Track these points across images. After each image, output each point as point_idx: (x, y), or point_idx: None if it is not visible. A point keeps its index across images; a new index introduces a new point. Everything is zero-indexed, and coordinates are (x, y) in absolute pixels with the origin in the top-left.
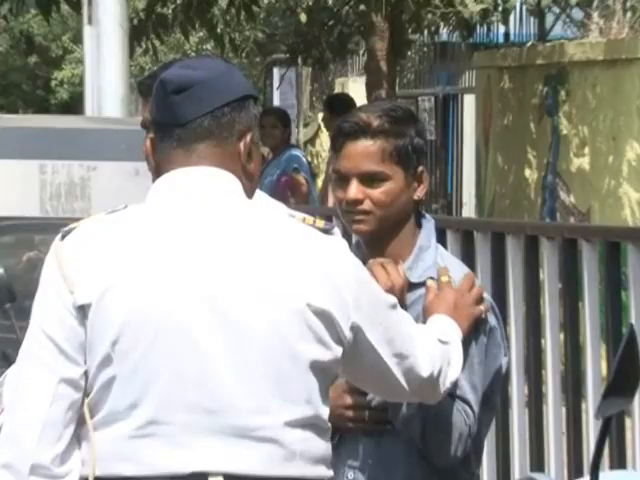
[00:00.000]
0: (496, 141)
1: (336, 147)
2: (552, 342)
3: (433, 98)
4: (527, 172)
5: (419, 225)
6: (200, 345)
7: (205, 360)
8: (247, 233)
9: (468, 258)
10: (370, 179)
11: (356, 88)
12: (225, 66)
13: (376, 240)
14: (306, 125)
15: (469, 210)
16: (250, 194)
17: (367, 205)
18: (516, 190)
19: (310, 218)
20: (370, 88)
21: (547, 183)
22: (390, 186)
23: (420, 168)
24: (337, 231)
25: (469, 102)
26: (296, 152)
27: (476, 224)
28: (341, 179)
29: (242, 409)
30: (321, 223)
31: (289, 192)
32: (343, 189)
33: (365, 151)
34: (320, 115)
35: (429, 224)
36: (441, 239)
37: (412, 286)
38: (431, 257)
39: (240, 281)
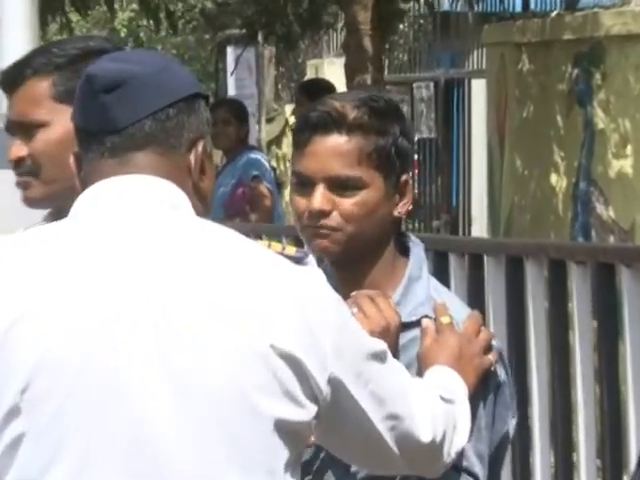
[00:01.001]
0: (513, 139)
1: (300, 142)
2: (585, 395)
3: (432, 84)
4: (553, 178)
5: (401, 250)
6: (134, 396)
7: (141, 416)
8: (196, 258)
9: (477, 289)
10: (341, 186)
11: (333, 72)
12: (165, 60)
13: (349, 266)
14: (270, 120)
15: (480, 228)
16: (201, 215)
17: (335, 219)
18: (539, 202)
19: (277, 244)
20: (351, 72)
21: (579, 192)
22: (366, 196)
23: (404, 177)
24: (312, 260)
25: (478, 89)
26: (256, 155)
27: (487, 246)
28: (303, 184)
29: (188, 478)
30: (292, 250)
31: (248, 207)
32: (305, 197)
33: (337, 149)
34: (288, 108)
35: (417, 248)
36: (443, 265)
37: (401, 327)
38: (423, 290)
39: (187, 317)
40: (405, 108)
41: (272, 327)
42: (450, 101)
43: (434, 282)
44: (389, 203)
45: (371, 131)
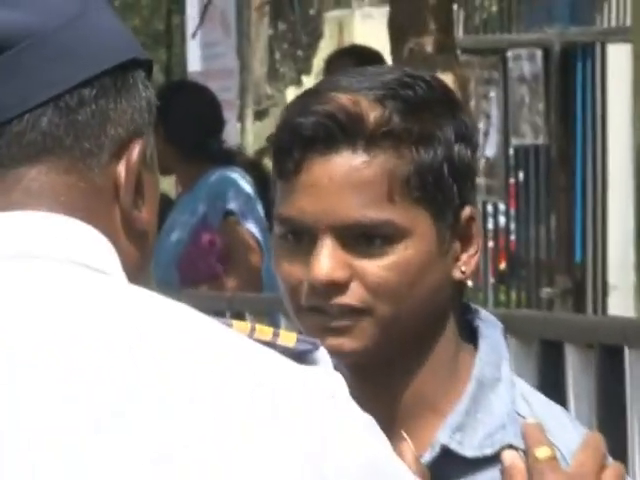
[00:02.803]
0: None
1: (284, 168)
2: None
3: (540, 53)
4: None
5: (467, 334)
6: None
7: None
8: (126, 364)
9: (613, 400)
10: (362, 238)
11: (368, 32)
12: (81, 1)
13: (378, 369)
14: (261, 115)
15: (623, 301)
16: (137, 270)
17: (356, 295)
18: None
19: (267, 328)
20: (398, 32)
21: None
22: (406, 252)
23: (466, 211)
24: (324, 355)
25: (619, 60)
26: (232, 175)
27: (633, 331)
28: (296, 237)
29: None
30: (291, 338)
31: (220, 266)
32: (300, 259)
33: (352, 177)
34: (292, 92)
35: (491, 331)
36: (555, 362)
37: (465, 465)
38: (503, 403)
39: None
40: (494, 94)
41: None
42: (571, 81)
43: (522, 386)
44: (445, 258)
45: (407, 141)
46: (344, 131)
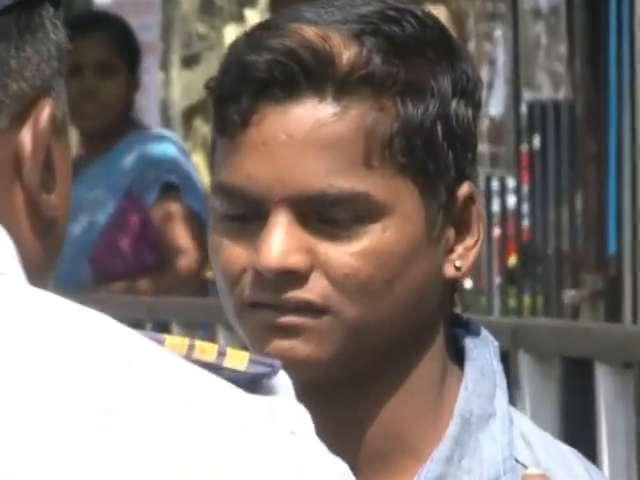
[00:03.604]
0: None
1: (228, 122)
2: None
3: None
4: None
5: (455, 354)
6: None
7: None
8: (120, 363)
9: None
10: (328, 215)
11: None
12: None
13: (339, 396)
14: (190, 61)
15: None
16: (40, 271)
17: (316, 289)
18: None
19: (209, 346)
20: None
21: None
22: (384, 236)
23: (464, 188)
24: (284, 381)
25: None
26: (166, 138)
27: None
28: (241, 211)
29: None
30: (241, 358)
31: (149, 255)
32: (245, 239)
33: (315, 135)
34: (231, 31)
35: (484, 352)
36: (583, 385)
37: None
38: (498, 446)
39: None
40: (500, 33)
41: None
42: (601, 17)
43: (522, 424)
44: (435, 247)
45: (391, 89)
46: (309, 73)
